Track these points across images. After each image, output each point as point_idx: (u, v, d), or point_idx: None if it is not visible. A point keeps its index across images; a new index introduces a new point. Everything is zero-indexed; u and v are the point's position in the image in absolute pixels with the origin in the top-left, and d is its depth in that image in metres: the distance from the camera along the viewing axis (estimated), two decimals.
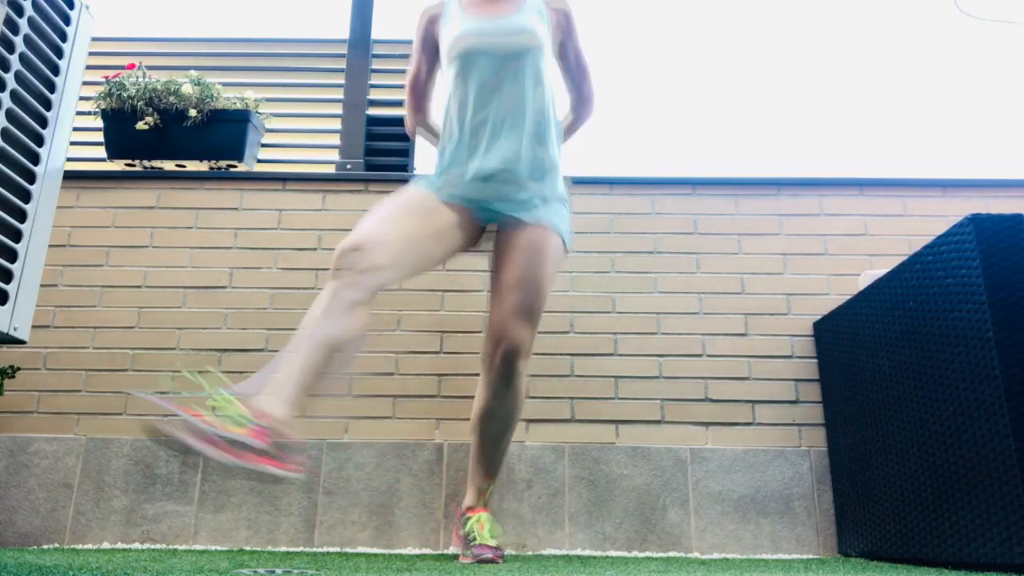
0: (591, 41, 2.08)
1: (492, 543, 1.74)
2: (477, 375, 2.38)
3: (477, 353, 2.41)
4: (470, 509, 1.84)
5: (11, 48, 1.26)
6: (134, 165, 2.69)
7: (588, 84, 2.04)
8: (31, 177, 1.30)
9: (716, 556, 2.15)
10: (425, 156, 2.91)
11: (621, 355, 2.41)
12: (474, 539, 1.75)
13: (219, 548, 2.19)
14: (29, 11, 1.30)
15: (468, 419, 2.34)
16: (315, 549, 2.19)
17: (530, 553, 2.17)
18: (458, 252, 1.87)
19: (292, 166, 2.89)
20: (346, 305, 1.53)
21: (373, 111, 2.87)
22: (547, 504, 2.25)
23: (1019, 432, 1.42)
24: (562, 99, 2.06)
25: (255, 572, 1.25)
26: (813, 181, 2.58)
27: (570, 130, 2.09)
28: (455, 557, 1.92)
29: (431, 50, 1.99)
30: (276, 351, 2.40)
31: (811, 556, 2.18)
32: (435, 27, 1.96)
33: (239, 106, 2.70)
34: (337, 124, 2.87)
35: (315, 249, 2.52)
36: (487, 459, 1.83)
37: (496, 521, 1.89)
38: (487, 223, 1.91)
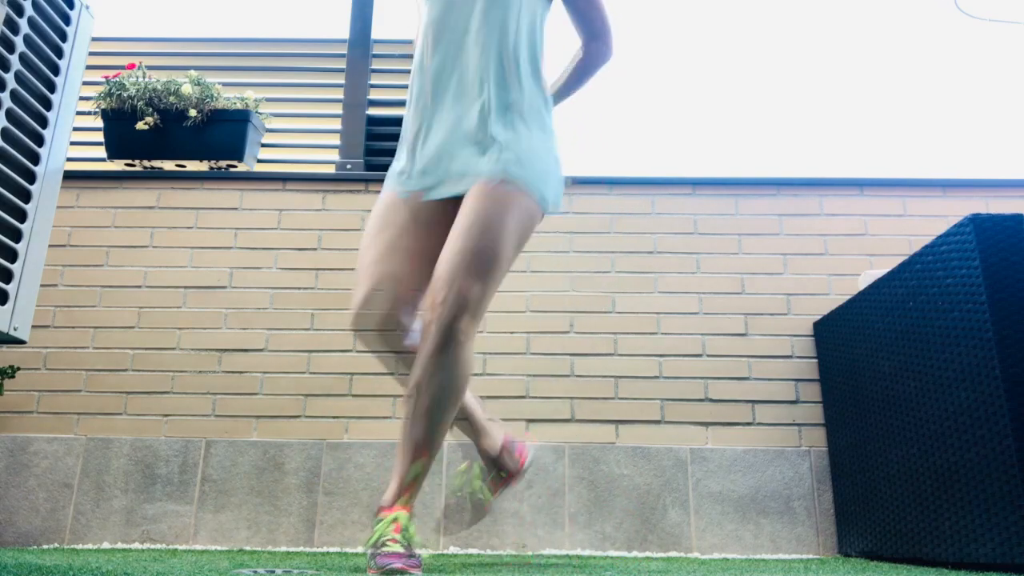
0: None
1: (400, 549, 1.28)
2: (477, 375, 2.38)
3: (477, 353, 2.41)
4: (382, 508, 1.40)
5: (11, 48, 1.26)
6: (134, 165, 2.69)
7: (599, 15, 1.66)
8: (31, 177, 1.30)
9: (716, 556, 2.15)
10: None
11: (621, 355, 2.41)
12: (383, 544, 1.31)
13: (219, 548, 2.19)
14: (29, 11, 1.30)
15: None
16: (315, 549, 2.19)
17: (530, 553, 2.17)
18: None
19: (292, 166, 2.89)
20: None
21: (373, 111, 2.87)
22: (547, 504, 2.25)
23: (1019, 432, 1.42)
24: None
25: (255, 572, 1.25)
26: (813, 181, 2.58)
27: (583, 75, 1.71)
28: (455, 557, 1.92)
29: None
30: (276, 351, 2.40)
31: (811, 556, 2.18)
32: None
33: (239, 106, 2.70)
34: (337, 124, 2.87)
35: (315, 249, 2.52)
36: (418, 430, 1.42)
37: (413, 523, 1.46)
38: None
